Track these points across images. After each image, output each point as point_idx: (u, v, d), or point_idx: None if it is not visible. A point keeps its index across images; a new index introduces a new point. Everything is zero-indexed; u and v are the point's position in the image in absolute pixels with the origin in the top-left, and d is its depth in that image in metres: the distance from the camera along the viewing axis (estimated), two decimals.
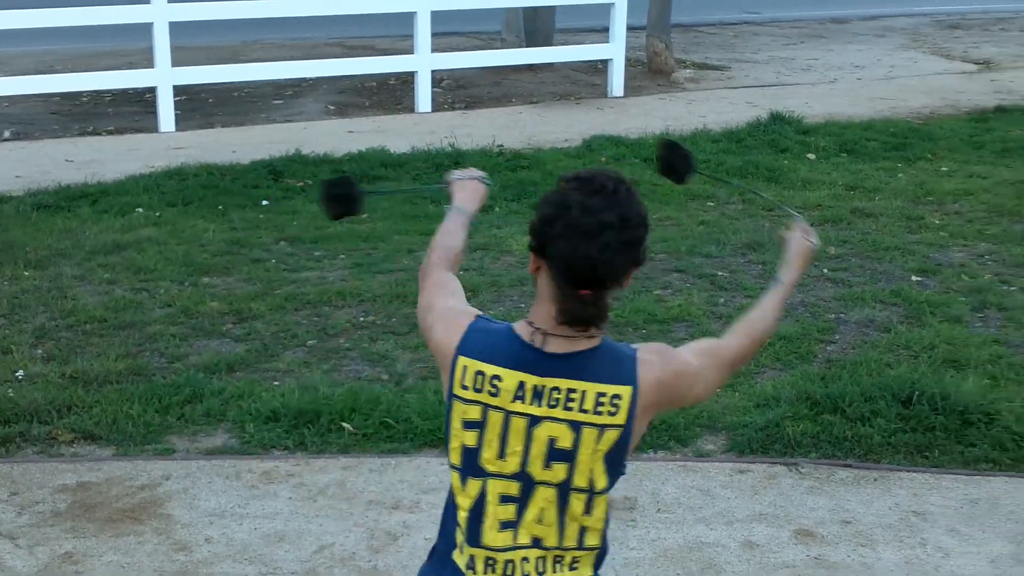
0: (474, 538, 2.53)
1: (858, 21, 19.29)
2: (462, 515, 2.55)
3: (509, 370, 2.48)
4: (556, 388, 2.45)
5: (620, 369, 2.48)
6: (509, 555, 2.51)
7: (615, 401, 2.45)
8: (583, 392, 2.45)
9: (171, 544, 4.60)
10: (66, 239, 8.00)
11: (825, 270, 7.62)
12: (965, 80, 14.42)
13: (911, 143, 10.92)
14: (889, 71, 14.98)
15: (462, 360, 2.52)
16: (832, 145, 10.80)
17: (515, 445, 2.49)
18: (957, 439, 5.39)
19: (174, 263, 7.57)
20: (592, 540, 2.54)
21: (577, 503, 2.50)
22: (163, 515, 4.80)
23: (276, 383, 5.95)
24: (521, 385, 2.47)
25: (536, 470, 2.48)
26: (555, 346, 2.47)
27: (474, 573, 2.54)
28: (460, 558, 2.58)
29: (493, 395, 2.48)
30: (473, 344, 2.52)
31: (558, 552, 2.52)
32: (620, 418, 2.45)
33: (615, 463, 2.50)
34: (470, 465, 2.53)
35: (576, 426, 2.45)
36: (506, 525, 2.51)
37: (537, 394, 2.46)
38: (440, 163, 9.88)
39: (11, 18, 11.04)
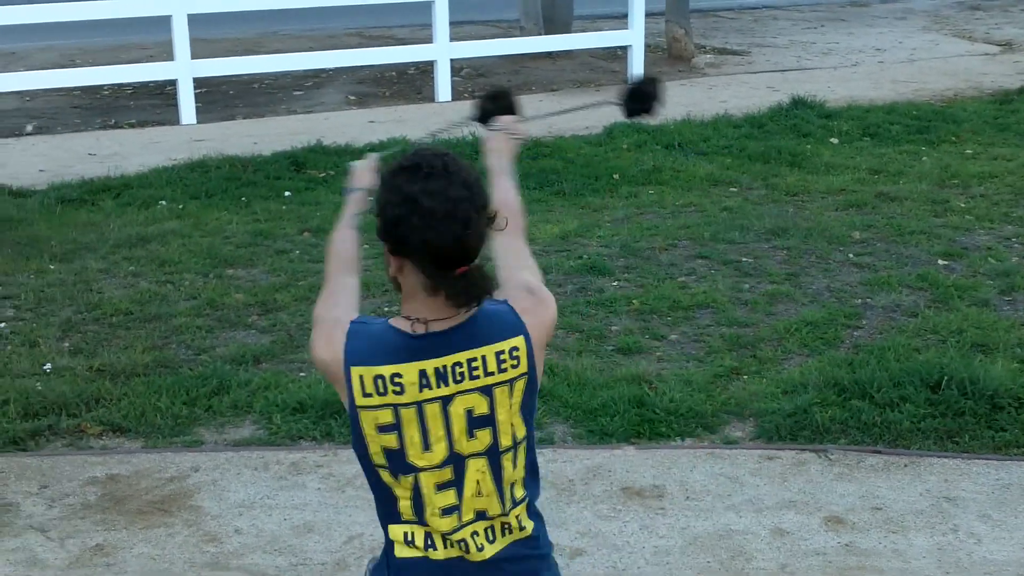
0: (422, 520, 2.56)
1: (878, 4, 19.19)
2: (404, 504, 2.55)
3: (405, 364, 2.47)
4: (457, 363, 2.48)
5: (505, 324, 2.53)
6: (458, 535, 2.55)
7: (514, 353, 2.51)
8: (483, 357, 2.49)
9: (201, 536, 4.61)
10: (90, 232, 8.02)
11: (850, 255, 7.58)
12: (987, 62, 14.33)
13: (934, 126, 10.86)
14: (911, 54, 14.90)
15: (355, 371, 2.48)
16: (855, 129, 10.75)
17: (436, 431, 2.50)
18: (987, 424, 5.36)
19: (198, 255, 7.58)
20: (519, 492, 2.60)
21: (507, 463, 2.56)
22: (193, 507, 4.81)
23: (302, 374, 5.95)
24: (423, 374, 2.47)
25: (463, 447, 2.52)
26: (439, 327, 2.49)
27: (435, 550, 2.56)
28: (412, 549, 2.56)
29: (398, 394, 2.47)
30: (359, 351, 2.49)
31: (503, 518, 2.58)
32: (523, 367, 2.53)
33: (529, 408, 2.59)
34: (398, 464, 2.52)
35: (487, 390, 2.50)
36: (447, 511, 2.54)
37: (441, 376, 2.48)
38: (461, 152, 9.84)
39: (32, 13, 11.08)
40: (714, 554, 4.48)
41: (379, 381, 2.47)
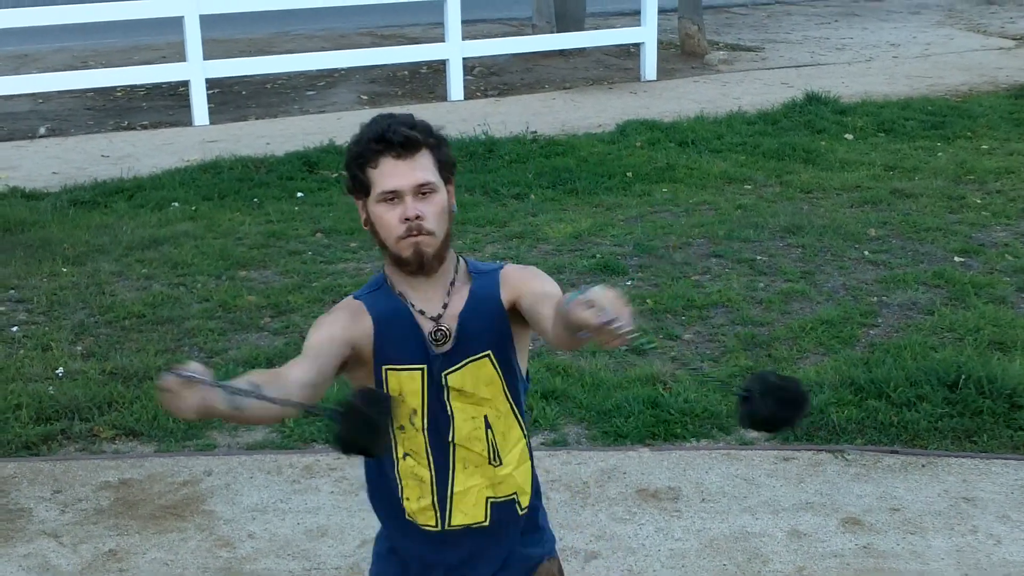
0: None
1: None
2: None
3: None
4: None
5: None
6: None
7: None
8: None
9: (214, 540, 4.59)
10: (103, 235, 8.02)
11: (866, 252, 7.53)
12: (1003, 56, 14.25)
13: (950, 121, 10.80)
14: (925, 48, 14.82)
15: None
16: (869, 125, 10.69)
17: None
18: (1006, 423, 5.31)
19: (211, 257, 7.57)
20: None
21: None
22: (205, 511, 4.79)
23: None
24: None
25: None
26: None
27: None
28: None
29: None
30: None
31: None
32: None
33: None
34: None
35: None
36: None
37: None
38: (474, 151, 9.84)
39: (45, 14, 11.09)
40: (730, 556, 4.44)
41: None
